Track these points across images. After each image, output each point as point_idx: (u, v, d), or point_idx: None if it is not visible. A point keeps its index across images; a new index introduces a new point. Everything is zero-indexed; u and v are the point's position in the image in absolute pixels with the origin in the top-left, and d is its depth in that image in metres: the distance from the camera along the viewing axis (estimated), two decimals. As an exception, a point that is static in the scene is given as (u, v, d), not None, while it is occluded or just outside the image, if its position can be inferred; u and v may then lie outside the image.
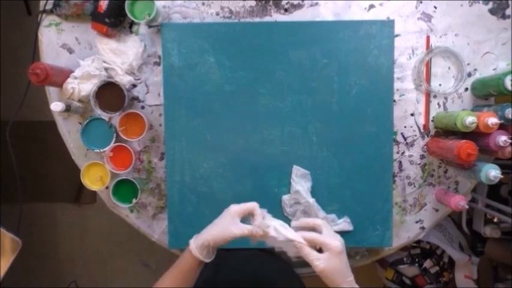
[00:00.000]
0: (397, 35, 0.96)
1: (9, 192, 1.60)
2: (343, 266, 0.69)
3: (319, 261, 0.68)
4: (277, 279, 0.89)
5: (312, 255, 0.68)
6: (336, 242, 0.69)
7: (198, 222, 0.98)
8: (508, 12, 0.96)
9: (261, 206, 0.94)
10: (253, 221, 0.71)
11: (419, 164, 0.99)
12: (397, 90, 0.97)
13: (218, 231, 0.71)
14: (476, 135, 0.86)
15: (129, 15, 0.91)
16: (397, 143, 0.98)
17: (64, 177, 1.82)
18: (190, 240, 0.72)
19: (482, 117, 0.82)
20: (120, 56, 0.95)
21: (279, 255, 0.98)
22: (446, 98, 0.98)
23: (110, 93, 0.90)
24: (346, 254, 0.71)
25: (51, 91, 0.99)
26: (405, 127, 0.98)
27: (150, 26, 0.96)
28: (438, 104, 0.98)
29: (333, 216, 0.95)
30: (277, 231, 0.70)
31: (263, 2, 0.97)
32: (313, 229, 0.73)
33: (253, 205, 0.72)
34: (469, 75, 0.97)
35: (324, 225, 0.73)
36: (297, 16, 0.97)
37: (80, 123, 0.99)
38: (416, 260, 1.51)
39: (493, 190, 1.41)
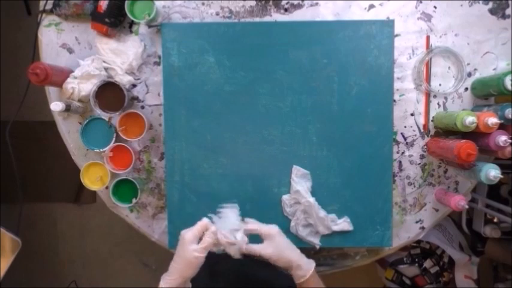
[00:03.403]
0: (397, 35, 0.96)
1: (9, 192, 1.60)
2: (287, 245, 0.76)
3: (265, 249, 0.74)
4: (275, 281, 0.89)
5: (257, 247, 0.74)
6: (271, 226, 0.77)
7: (198, 222, 0.97)
8: (508, 12, 0.96)
9: (261, 206, 0.95)
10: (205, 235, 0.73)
11: (419, 164, 0.99)
12: (397, 90, 0.97)
13: (184, 264, 0.71)
14: (476, 135, 0.86)
15: (129, 15, 0.91)
16: (397, 143, 0.98)
17: (64, 177, 1.82)
18: (160, 283, 0.72)
19: (482, 117, 0.82)
20: (120, 56, 0.95)
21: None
22: (446, 98, 0.98)
23: (110, 93, 0.90)
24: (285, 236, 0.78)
25: (51, 91, 0.99)
26: (405, 127, 0.98)
27: (150, 26, 0.96)
28: (438, 104, 0.98)
29: (333, 216, 0.95)
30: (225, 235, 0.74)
31: (263, 2, 0.97)
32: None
33: (203, 223, 0.74)
34: (469, 75, 0.97)
35: (254, 222, 0.78)
36: (297, 16, 0.97)
37: (80, 123, 0.99)
38: (416, 260, 1.51)
39: (493, 190, 1.41)
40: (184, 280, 0.71)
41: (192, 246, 0.71)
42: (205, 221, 0.74)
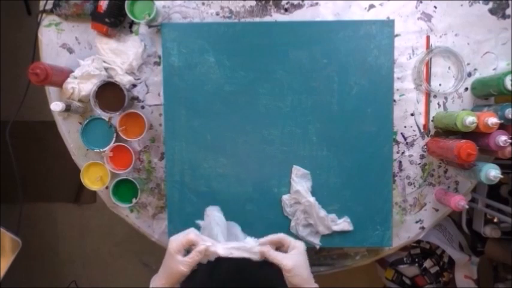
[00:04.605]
0: (397, 35, 0.96)
1: (9, 192, 1.60)
2: (307, 264, 0.73)
3: (287, 260, 0.70)
4: (275, 282, 0.89)
5: (279, 256, 0.71)
6: (300, 242, 0.74)
7: (197, 222, 0.97)
8: (508, 12, 0.96)
9: (261, 206, 0.95)
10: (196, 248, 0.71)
11: (419, 164, 0.99)
12: (397, 90, 0.97)
13: (169, 272, 0.71)
14: (476, 135, 0.86)
15: (129, 15, 0.91)
16: (397, 142, 0.98)
17: (64, 177, 1.82)
18: (151, 284, 0.72)
19: (482, 117, 0.82)
20: (120, 56, 0.95)
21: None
22: (446, 98, 0.98)
23: (110, 93, 0.90)
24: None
25: (51, 91, 0.99)
26: (405, 127, 0.98)
27: (150, 26, 0.96)
28: (438, 103, 0.98)
29: (333, 216, 0.95)
30: (228, 249, 0.72)
31: (263, 1, 0.97)
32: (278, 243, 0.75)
33: (190, 238, 0.71)
34: (469, 75, 0.97)
35: (284, 235, 0.76)
36: (297, 16, 0.97)
37: (80, 123, 0.99)
38: (416, 260, 1.51)
39: (493, 190, 1.41)
40: (173, 284, 0.71)
41: (178, 258, 0.70)
42: (192, 236, 0.71)
